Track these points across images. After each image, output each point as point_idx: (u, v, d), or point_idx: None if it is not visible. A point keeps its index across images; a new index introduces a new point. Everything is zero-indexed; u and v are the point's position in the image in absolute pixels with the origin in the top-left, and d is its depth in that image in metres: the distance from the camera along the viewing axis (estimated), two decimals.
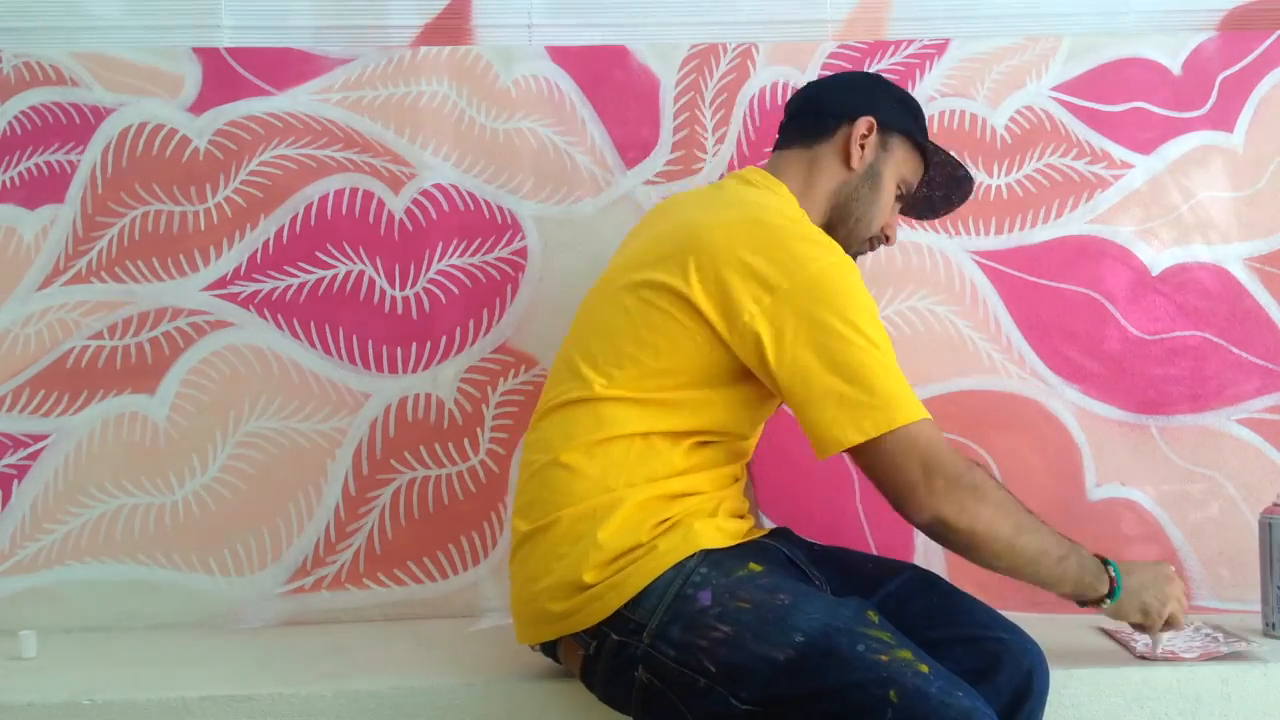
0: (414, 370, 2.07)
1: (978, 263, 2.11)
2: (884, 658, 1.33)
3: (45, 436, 2.03)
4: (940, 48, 2.14)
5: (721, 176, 2.04)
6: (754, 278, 1.43)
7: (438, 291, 2.08)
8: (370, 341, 2.07)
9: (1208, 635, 1.78)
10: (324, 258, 2.08)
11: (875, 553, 1.99)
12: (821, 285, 1.43)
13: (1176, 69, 2.15)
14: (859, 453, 1.42)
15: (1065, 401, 2.09)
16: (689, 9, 2.20)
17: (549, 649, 1.54)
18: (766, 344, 1.42)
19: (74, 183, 2.07)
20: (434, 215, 2.09)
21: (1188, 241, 2.12)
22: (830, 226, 1.61)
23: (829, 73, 2.07)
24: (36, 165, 2.07)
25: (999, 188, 2.12)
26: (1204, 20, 2.19)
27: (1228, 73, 2.14)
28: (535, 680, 1.61)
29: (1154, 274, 2.11)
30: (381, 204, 2.09)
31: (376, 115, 2.10)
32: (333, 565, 2.04)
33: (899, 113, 1.67)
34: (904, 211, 1.75)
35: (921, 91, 2.12)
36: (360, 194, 2.09)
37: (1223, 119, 2.13)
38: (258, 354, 2.06)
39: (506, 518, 2.04)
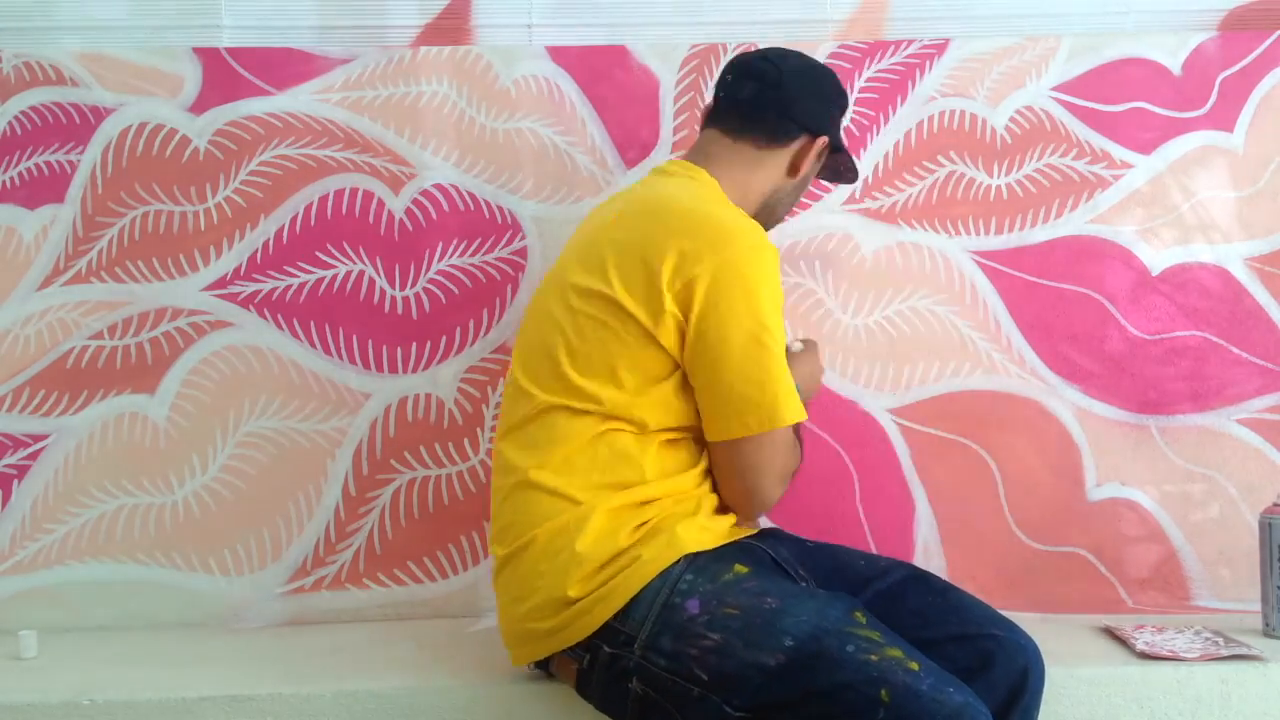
0: (414, 370, 2.07)
1: (978, 263, 2.11)
2: (874, 657, 1.34)
3: (45, 436, 2.03)
4: (940, 48, 2.14)
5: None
6: (671, 267, 1.46)
7: (438, 291, 2.08)
8: (370, 341, 2.07)
9: (1208, 639, 1.78)
10: (324, 258, 2.08)
11: (875, 552, 1.98)
12: (736, 269, 1.47)
13: (1177, 69, 2.14)
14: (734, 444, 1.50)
15: (1065, 401, 2.08)
16: (689, 9, 2.20)
17: (543, 665, 1.55)
18: (686, 326, 1.47)
19: (74, 183, 2.07)
20: (434, 215, 2.09)
21: (1188, 241, 2.12)
22: (753, 217, 1.63)
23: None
24: (37, 165, 2.07)
25: (999, 188, 2.12)
26: (1204, 20, 2.19)
27: (1228, 73, 2.14)
28: (535, 680, 1.60)
29: (1154, 274, 2.11)
30: (381, 204, 2.09)
31: (377, 115, 2.10)
32: (333, 565, 2.04)
33: (839, 125, 1.75)
34: None
35: (921, 91, 2.12)
36: (360, 194, 2.09)
37: (1223, 119, 2.13)
38: (258, 354, 2.06)
39: None
